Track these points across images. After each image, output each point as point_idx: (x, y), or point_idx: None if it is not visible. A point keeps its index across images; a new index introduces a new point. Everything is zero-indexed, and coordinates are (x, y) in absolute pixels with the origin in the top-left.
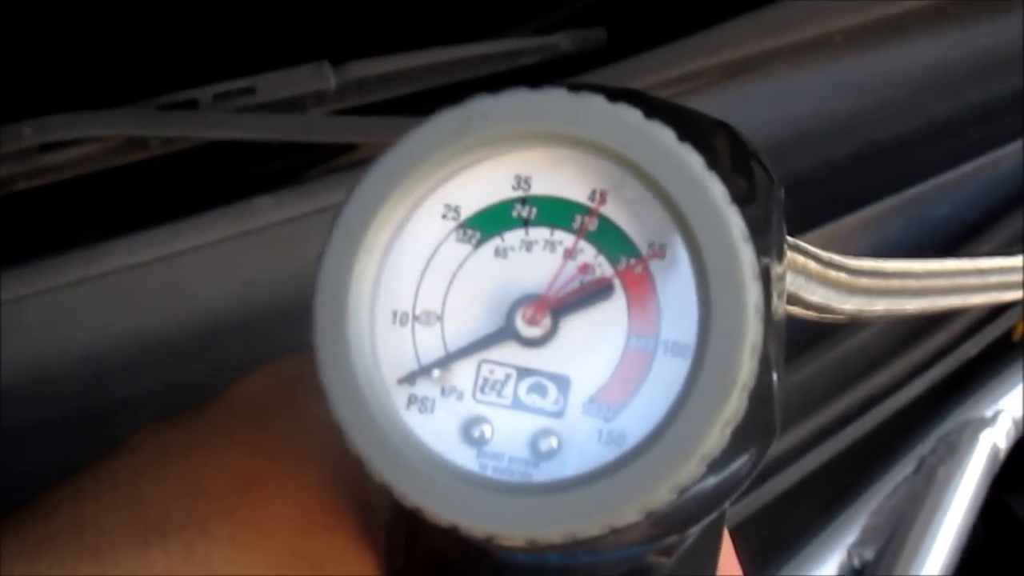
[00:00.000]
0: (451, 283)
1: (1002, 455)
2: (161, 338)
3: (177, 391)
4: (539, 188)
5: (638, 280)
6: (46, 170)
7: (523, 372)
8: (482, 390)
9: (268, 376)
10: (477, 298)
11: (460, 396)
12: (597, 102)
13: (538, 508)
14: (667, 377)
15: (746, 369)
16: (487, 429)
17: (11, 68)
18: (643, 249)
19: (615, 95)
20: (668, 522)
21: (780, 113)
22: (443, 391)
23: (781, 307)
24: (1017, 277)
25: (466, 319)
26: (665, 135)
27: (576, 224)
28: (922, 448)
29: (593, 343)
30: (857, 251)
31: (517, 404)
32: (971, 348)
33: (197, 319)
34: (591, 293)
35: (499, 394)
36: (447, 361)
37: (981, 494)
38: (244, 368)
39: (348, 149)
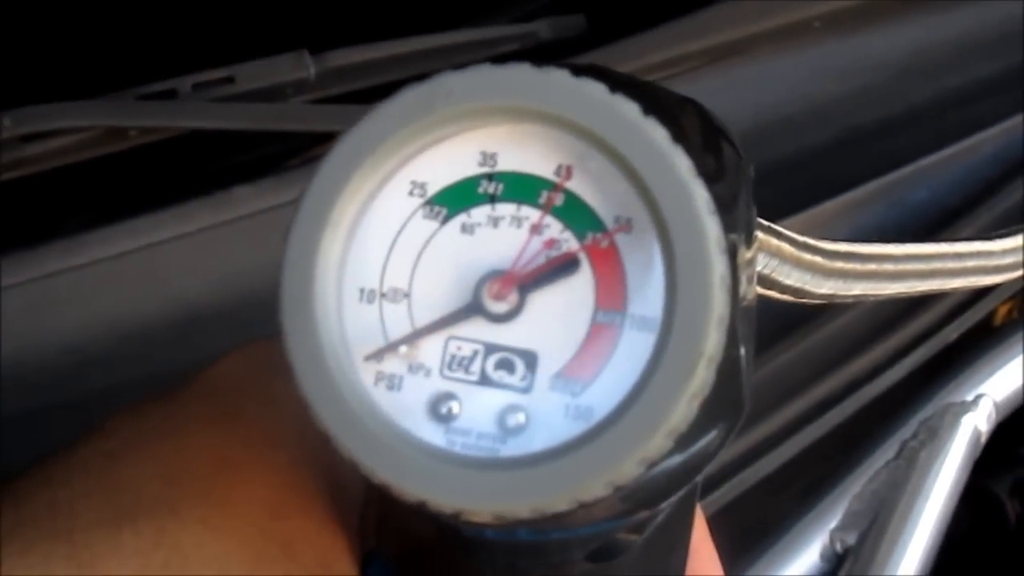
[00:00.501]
0: (418, 260)
1: (983, 439)
2: (141, 328)
3: (157, 381)
4: (505, 164)
5: (604, 255)
6: (26, 161)
7: (490, 348)
8: (449, 366)
9: (240, 360)
10: (444, 274)
11: (428, 372)
12: (561, 77)
13: (505, 483)
14: (634, 351)
15: (712, 341)
16: (455, 405)
17: None
18: (609, 223)
19: (580, 70)
20: (637, 497)
21: (761, 99)
22: (411, 368)
23: (751, 290)
24: (995, 261)
25: (433, 295)
26: (629, 109)
27: (542, 199)
28: (904, 432)
29: (560, 318)
30: (838, 235)
31: (485, 380)
32: (952, 332)
33: (177, 309)
34: (557, 268)
35: (467, 370)
36: (414, 337)
37: (963, 478)
38: None
39: (328, 138)
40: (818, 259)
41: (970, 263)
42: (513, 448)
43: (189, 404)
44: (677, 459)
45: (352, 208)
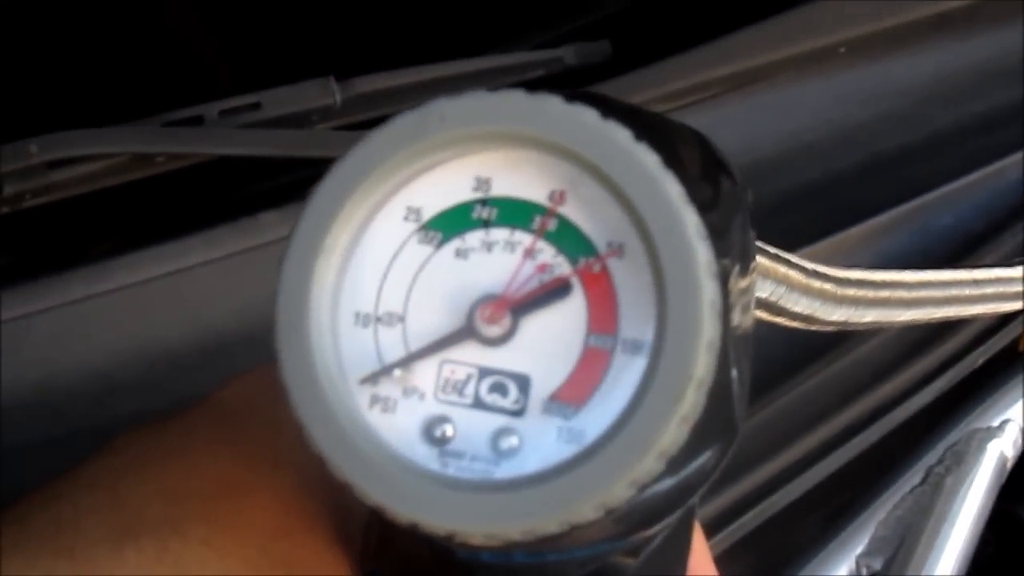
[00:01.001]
0: (413, 284)
1: (1009, 464)
2: (168, 354)
3: (185, 407)
4: (499, 189)
5: (597, 279)
6: (53, 187)
7: (484, 371)
8: (443, 390)
9: (247, 383)
10: (438, 299)
11: (422, 396)
12: (554, 103)
13: (497, 505)
14: (626, 375)
15: (702, 365)
16: (448, 429)
17: (17, 85)
18: (602, 248)
19: (574, 96)
20: (630, 519)
21: (784, 125)
22: (405, 391)
23: (748, 318)
24: (1016, 288)
25: (428, 319)
26: (621, 134)
27: (535, 224)
28: (929, 458)
29: (552, 342)
30: (862, 261)
31: (478, 403)
32: (977, 358)
33: (204, 335)
34: (550, 292)
35: (460, 393)
36: (408, 361)
37: (989, 504)
38: None
39: None
40: (828, 286)
41: (989, 290)
42: (506, 471)
43: (195, 425)
44: (669, 482)
45: (347, 233)
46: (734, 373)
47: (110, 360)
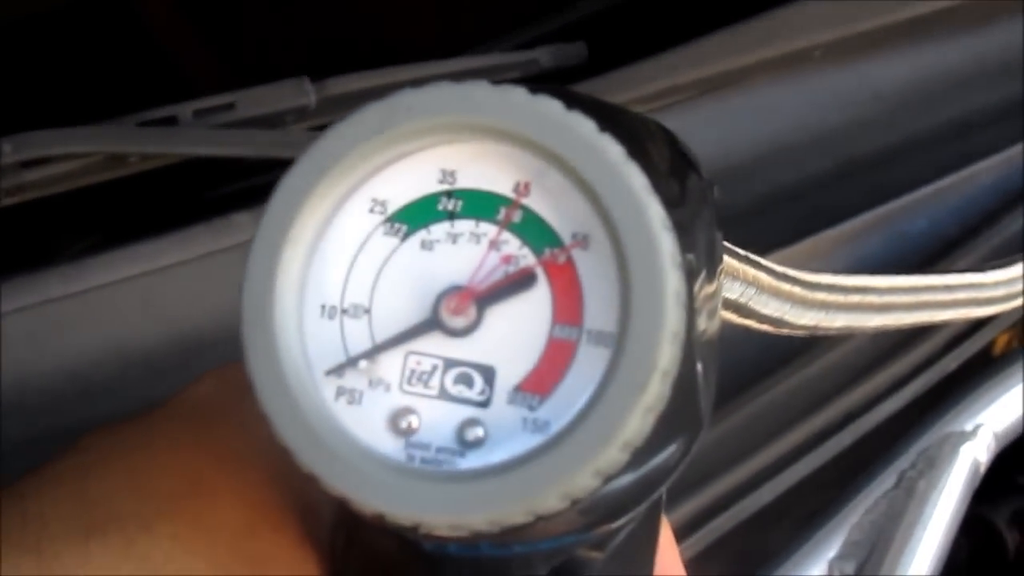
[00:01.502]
0: (378, 276)
1: (982, 469)
2: (142, 354)
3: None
4: (464, 181)
5: (561, 270)
6: (27, 187)
7: (449, 363)
8: (409, 381)
9: (215, 381)
10: (404, 290)
11: (387, 387)
12: (518, 94)
13: (462, 495)
14: (591, 366)
15: (666, 355)
16: (414, 420)
17: None
18: (566, 239)
19: (537, 89)
20: (595, 511)
21: (759, 128)
22: (371, 383)
23: (714, 324)
24: (987, 293)
25: (393, 311)
26: (585, 125)
27: (500, 216)
28: (902, 462)
29: (518, 333)
30: (836, 265)
31: (444, 395)
32: (951, 362)
33: (178, 334)
34: (514, 283)
35: (426, 385)
36: (374, 353)
37: (962, 508)
38: None
39: None
40: (797, 290)
41: (961, 295)
42: (472, 461)
43: (163, 423)
44: (634, 473)
45: (312, 225)
46: (699, 367)
47: (84, 360)
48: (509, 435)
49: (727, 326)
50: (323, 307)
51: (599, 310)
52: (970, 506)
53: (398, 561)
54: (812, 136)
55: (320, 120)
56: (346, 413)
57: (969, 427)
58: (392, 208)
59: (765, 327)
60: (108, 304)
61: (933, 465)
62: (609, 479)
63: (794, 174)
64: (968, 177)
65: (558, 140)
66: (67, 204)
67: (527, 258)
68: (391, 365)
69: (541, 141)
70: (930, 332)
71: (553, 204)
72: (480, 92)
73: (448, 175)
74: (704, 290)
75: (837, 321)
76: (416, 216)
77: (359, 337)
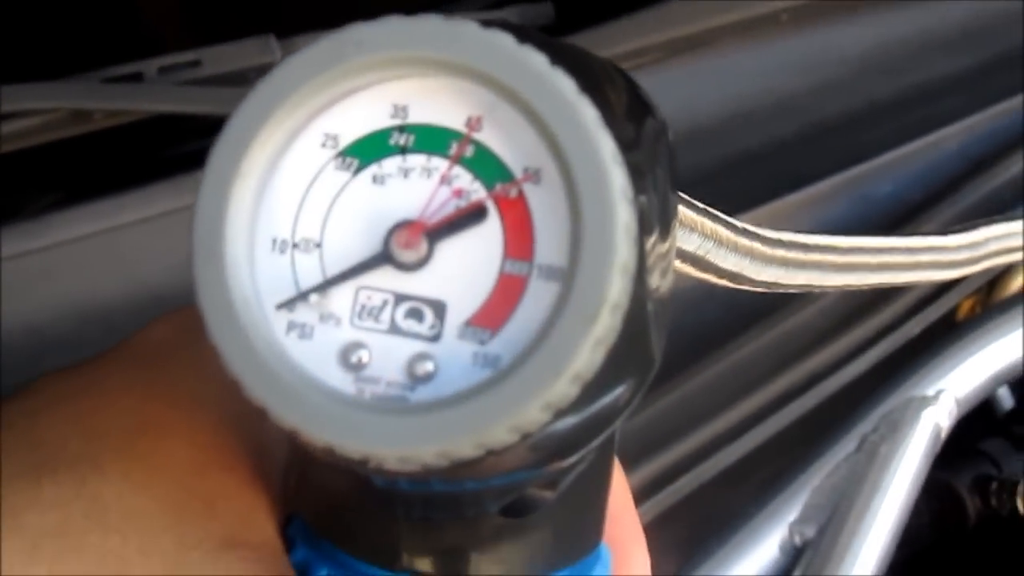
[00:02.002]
0: (330, 210)
1: (944, 434)
2: (103, 311)
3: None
4: (416, 116)
5: (513, 204)
6: None
7: (400, 297)
8: (360, 316)
9: (167, 324)
10: (355, 225)
11: (338, 322)
12: (469, 28)
13: (411, 427)
14: (541, 300)
15: (616, 288)
16: (364, 354)
17: None
18: (518, 173)
19: (489, 23)
20: (546, 447)
21: (725, 91)
22: (321, 317)
23: (667, 267)
24: (949, 257)
25: (344, 245)
26: (536, 59)
27: (452, 150)
28: (864, 426)
29: (468, 268)
30: (800, 228)
31: (394, 329)
32: (914, 327)
33: (139, 291)
34: (465, 216)
35: (376, 319)
36: (325, 287)
37: (923, 473)
38: None
39: None
40: (757, 245)
41: (923, 257)
42: (422, 395)
43: (114, 366)
44: (584, 409)
45: (263, 159)
46: (650, 307)
47: (44, 316)
48: (459, 369)
49: (692, 287)
50: (274, 241)
51: (550, 245)
52: (932, 471)
53: (349, 499)
54: (777, 100)
55: None
56: (296, 347)
57: (931, 392)
58: (344, 142)
59: (724, 281)
60: (69, 261)
61: (895, 429)
62: (560, 413)
63: (759, 137)
64: (933, 143)
65: (509, 73)
66: (30, 160)
67: (478, 192)
68: (342, 299)
69: (492, 74)
70: (894, 296)
71: (505, 138)
72: (431, 26)
73: (400, 110)
74: (656, 233)
75: (797, 279)
76: (368, 150)
77: (310, 271)
